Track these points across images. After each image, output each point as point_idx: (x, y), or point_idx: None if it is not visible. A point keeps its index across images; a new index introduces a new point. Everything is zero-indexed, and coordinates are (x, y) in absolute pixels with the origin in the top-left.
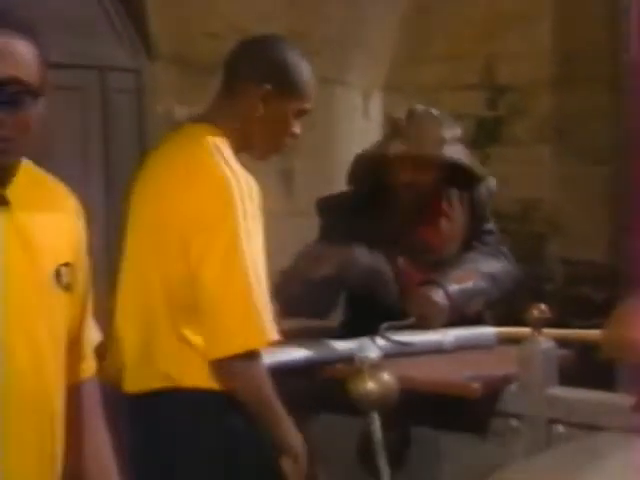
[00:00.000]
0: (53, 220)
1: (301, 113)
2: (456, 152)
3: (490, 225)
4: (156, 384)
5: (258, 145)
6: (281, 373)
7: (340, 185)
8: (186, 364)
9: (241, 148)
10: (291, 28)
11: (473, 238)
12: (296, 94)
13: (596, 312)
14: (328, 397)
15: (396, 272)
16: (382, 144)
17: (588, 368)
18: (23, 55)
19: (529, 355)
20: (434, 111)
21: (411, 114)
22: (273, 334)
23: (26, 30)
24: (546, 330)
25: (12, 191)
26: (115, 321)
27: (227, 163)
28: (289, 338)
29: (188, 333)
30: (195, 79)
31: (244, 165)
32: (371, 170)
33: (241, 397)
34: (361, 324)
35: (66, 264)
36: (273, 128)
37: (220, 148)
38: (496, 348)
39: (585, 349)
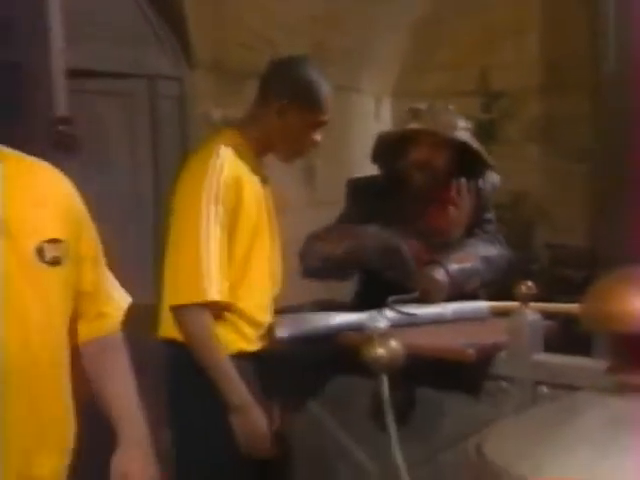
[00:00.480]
0: (35, 200)
1: (320, 124)
2: (467, 138)
3: (490, 215)
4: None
5: (280, 150)
6: (305, 340)
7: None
8: (164, 317)
9: (264, 151)
10: (313, 41)
11: (475, 225)
12: (314, 108)
13: (576, 289)
14: (344, 361)
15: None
16: (401, 125)
17: (569, 337)
18: None
19: (517, 326)
20: (450, 106)
21: (430, 105)
22: (214, 295)
23: None
24: (532, 304)
25: None
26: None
27: (222, 165)
28: (312, 310)
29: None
30: (229, 85)
31: (272, 164)
32: (391, 148)
33: (189, 346)
34: (371, 298)
35: (51, 240)
36: (293, 137)
37: (226, 152)
38: (489, 320)
39: (566, 321)
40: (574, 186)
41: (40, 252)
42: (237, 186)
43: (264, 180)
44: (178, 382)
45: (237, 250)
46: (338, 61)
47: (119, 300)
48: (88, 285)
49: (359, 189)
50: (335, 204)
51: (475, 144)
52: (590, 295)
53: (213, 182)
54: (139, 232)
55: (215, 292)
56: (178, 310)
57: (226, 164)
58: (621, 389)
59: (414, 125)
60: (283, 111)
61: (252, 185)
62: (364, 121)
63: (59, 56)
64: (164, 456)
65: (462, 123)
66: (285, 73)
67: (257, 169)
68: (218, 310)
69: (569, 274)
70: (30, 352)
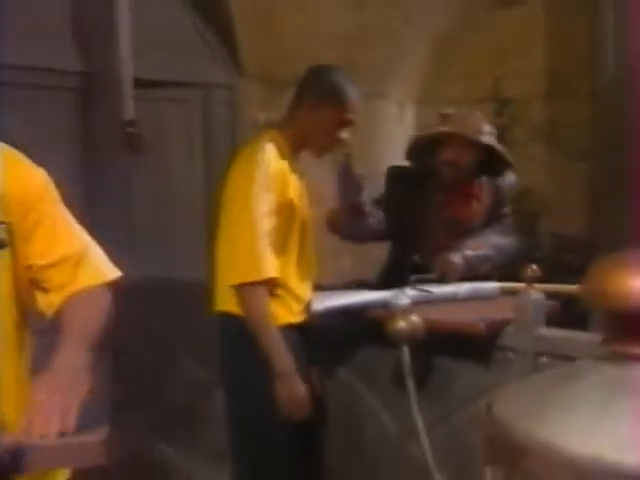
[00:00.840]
0: None
1: (346, 122)
2: (491, 141)
3: (506, 209)
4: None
5: (312, 146)
6: (338, 315)
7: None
8: (224, 296)
9: (299, 148)
10: (345, 54)
11: (493, 218)
12: (342, 108)
13: (575, 273)
14: (371, 334)
15: (430, 237)
16: (432, 128)
17: (568, 314)
18: None
19: (523, 304)
20: (477, 112)
21: (459, 111)
22: (269, 273)
23: None
24: (537, 285)
25: None
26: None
27: (269, 159)
28: (345, 289)
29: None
30: (273, 92)
31: (311, 163)
32: (423, 148)
33: (244, 319)
34: (395, 278)
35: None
36: (323, 133)
37: (271, 148)
38: (498, 298)
39: (566, 300)
40: (575, 182)
41: None
42: (282, 178)
43: (300, 175)
44: (231, 350)
45: (283, 233)
46: (367, 71)
47: (96, 270)
48: (40, 258)
49: (396, 175)
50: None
51: (499, 146)
52: (589, 276)
53: (262, 174)
54: (193, 221)
55: (270, 270)
56: (239, 288)
57: (272, 159)
58: (615, 358)
59: (445, 128)
60: (315, 110)
61: (293, 178)
62: (389, 125)
63: (127, 67)
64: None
65: (487, 127)
66: (318, 78)
67: (294, 165)
68: (271, 287)
69: (569, 259)
70: None
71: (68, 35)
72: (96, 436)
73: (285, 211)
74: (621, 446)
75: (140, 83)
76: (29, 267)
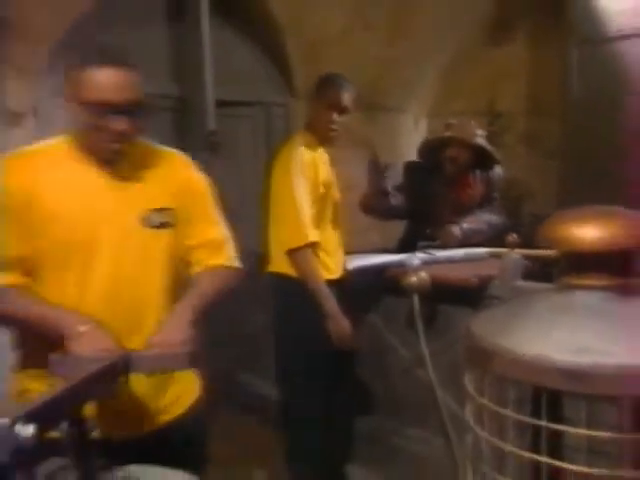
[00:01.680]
0: (147, 178)
1: (333, 108)
2: (483, 142)
3: (496, 195)
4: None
5: (318, 134)
6: (364, 272)
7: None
8: (281, 259)
9: (322, 141)
10: (376, 80)
11: (485, 201)
12: (332, 105)
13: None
14: (391, 287)
15: (437, 215)
16: (439, 134)
17: (539, 272)
18: (135, 83)
19: (506, 264)
20: (472, 122)
21: (459, 121)
22: (313, 238)
23: (134, 67)
24: (516, 250)
25: (124, 162)
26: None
27: (295, 151)
28: (370, 253)
29: (279, 240)
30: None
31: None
32: (431, 149)
33: (297, 277)
34: (409, 245)
35: (158, 209)
36: (320, 122)
37: (300, 143)
38: (487, 260)
39: (539, 262)
40: (549, 174)
41: (146, 219)
42: (312, 166)
43: (330, 162)
44: (282, 300)
45: (318, 209)
46: (391, 92)
47: (228, 256)
48: (191, 239)
49: (412, 167)
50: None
51: (488, 147)
52: (548, 225)
53: (297, 165)
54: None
55: (313, 236)
56: (291, 252)
57: (302, 152)
58: (563, 288)
59: (448, 133)
60: (315, 105)
61: (321, 165)
62: (407, 133)
63: (210, 91)
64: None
65: (480, 132)
66: (323, 82)
67: (322, 154)
68: (314, 249)
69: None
70: (135, 285)
71: (167, 68)
72: (184, 349)
73: (317, 191)
74: (563, 349)
75: (219, 103)
76: (182, 245)
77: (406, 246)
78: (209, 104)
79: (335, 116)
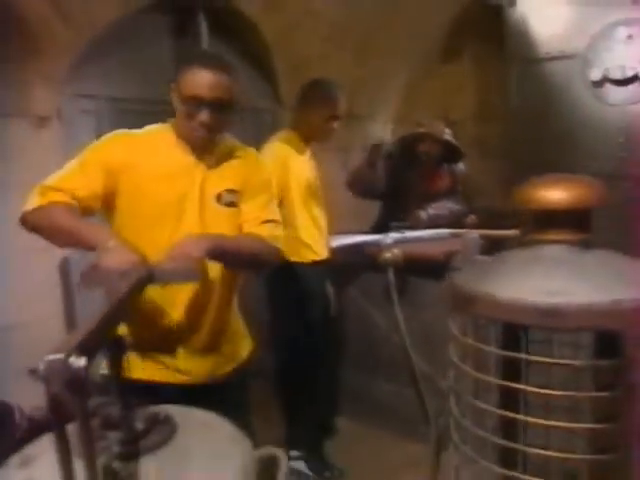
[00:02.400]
0: (225, 165)
1: (335, 118)
2: (450, 138)
3: (459, 187)
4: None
5: (315, 134)
6: (345, 250)
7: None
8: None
9: (308, 139)
10: (347, 89)
11: (449, 191)
12: (328, 106)
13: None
14: (368, 263)
15: (408, 201)
16: (414, 130)
17: (492, 248)
18: (227, 86)
19: (466, 242)
20: (440, 122)
21: (430, 121)
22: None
23: (232, 73)
24: (474, 230)
25: (208, 150)
26: None
27: (272, 148)
28: (349, 234)
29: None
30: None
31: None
32: (406, 143)
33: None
34: (383, 227)
35: (228, 190)
36: (320, 126)
37: (279, 141)
38: (449, 239)
39: (491, 240)
40: (494, 173)
41: (219, 198)
42: (284, 161)
43: (310, 157)
44: (273, 277)
45: (300, 200)
46: (362, 102)
47: (274, 235)
48: (248, 217)
49: (391, 155)
50: None
51: (455, 142)
52: (519, 188)
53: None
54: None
55: None
56: None
57: (277, 148)
58: (529, 243)
59: (422, 130)
60: (314, 111)
61: (302, 162)
62: (375, 137)
63: None
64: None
65: (447, 130)
66: (311, 87)
67: (304, 150)
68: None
69: (494, 221)
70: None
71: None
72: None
73: (294, 185)
74: (537, 292)
75: None
76: (239, 221)
77: (380, 228)
78: None
79: (334, 124)
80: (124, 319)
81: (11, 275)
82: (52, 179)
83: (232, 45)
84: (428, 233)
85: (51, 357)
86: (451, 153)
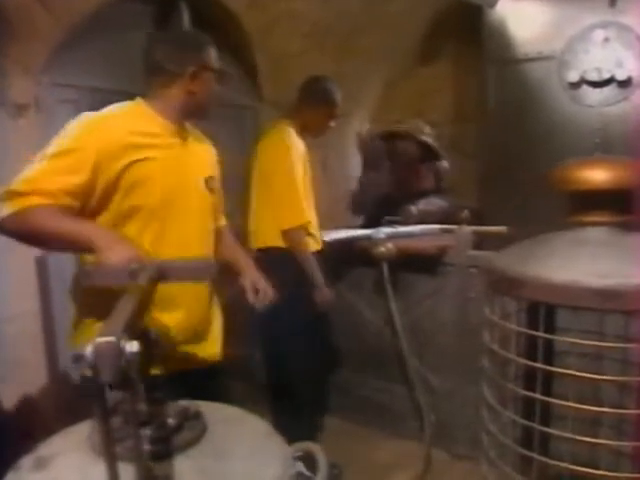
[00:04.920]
0: (202, 151)
1: (334, 115)
2: (428, 139)
3: (443, 184)
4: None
5: (312, 132)
6: (337, 244)
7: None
8: (273, 234)
9: (302, 132)
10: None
11: (435, 189)
12: (330, 106)
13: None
14: (360, 257)
15: (399, 198)
16: (394, 126)
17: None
18: None
19: (459, 236)
20: (420, 122)
21: (410, 120)
22: (306, 218)
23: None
24: (465, 226)
25: (186, 136)
26: (250, 214)
27: (290, 137)
28: (342, 228)
29: (274, 217)
30: (283, 112)
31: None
32: (383, 141)
33: (294, 251)
34: (375, 221)
35: (210, 177)
36: (320, 123)
37: (292, 132)
38: (440, 234)
39: (482, 236)
40: (470, 172)
41: (207, 182)
42: (301, 152)
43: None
44: (275, 271)
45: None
46: (343, 101)
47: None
48: (217, 207)
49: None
50: (337, 182)
51: (433, 143)
52: (560, 170)
53: (292, 150)
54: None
55: (307, 217)
56: (288, 231)
57: (295, 139)
58: (574, 225)
59: (402, 127)
60: (315, 109)
61: (304, 153)
62: (352, 136)
63: None
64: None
65: (427, 130)
66: (317, 85)
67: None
68: (306, 227)
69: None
70: (206, 229)
71: None
72: (208, 262)
73: (307, 176)
74: (589, 275)
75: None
76: None
77: (370, 225)
78: None
79: (332, 122)
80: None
81: None
82: (23, 181)
83: (214, 38)
84: (420, 228)
85: (102, 340)
86: (430, 153)
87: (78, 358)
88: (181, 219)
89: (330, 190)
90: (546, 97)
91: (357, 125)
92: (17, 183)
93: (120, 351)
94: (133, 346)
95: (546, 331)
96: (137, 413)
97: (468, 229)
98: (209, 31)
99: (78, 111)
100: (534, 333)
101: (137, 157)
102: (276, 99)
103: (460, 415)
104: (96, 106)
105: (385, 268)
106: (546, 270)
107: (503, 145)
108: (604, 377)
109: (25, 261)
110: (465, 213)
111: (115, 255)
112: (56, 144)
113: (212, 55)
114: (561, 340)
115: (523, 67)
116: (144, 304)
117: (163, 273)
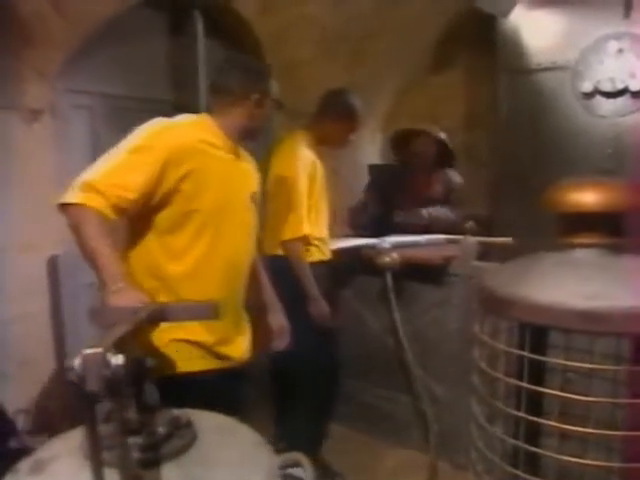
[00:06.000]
0: (249, 168)
1: (355, 130)
2: (446, 139)
3: (454, 196)
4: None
5: (332, 144)
6: (343, 252)
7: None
8: (275, 243)
9: (320, 144)
10: None
11: (444, 199)
12: (352, 120)
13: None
14: (365, 266)
15: (408, 205)
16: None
17: (488, 254)
18: None
19: (464, 247)
20: (435, 126)
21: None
22: (305, 232)
23: None
24: (470, 237)
25: (239, 153)
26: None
27: (299, 149)
28: (348, 237)
29: (276, 227)
30: (292, 117)
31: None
32: (401, 141)
33: (290, 261)
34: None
35: (255, 193)
36: (340, 135)
37: (304, 144)
38: (445, 244)
39: (487, 247)
40: (481, 181)
41: (252, 198)
42: (311, 164)
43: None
44: (277, 277)
45: (314, 202)
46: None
47: None
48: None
49: (376, 170)
50: (348, 189)
51: (449, 143)
52: (551, 191)
53: (301, 162)
54: None
55: (305, 229)
56: (286, 242)
57: (305, 151)
58: (564, 247)
59: (419, 126)
60: (336, 122)
61: (318, 164)
62: (364, 145)
63: (203, 97)
64: None
65: (442, 132)
66: (337, 99)
67: (316, 152)
68: (306, 239)
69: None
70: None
71: (166, 77)
72: (209, 302)
73: (313, 187)
74: (576, 296)
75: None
76: None
77: (376, 229)
78: (202, 108)
79: (352, 136)
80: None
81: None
82: (97, 174)
83: (226, 45)
84: (425, 238)
85: (89, 351)
86: (444, 157)
87: (69, 368)
88: (231, 229)
89: (341, 199)
90: (559, 107)
91: (369, 134)
92: (94, 174)
93: (106, 362)
94: (119, 359)
95: (537, 349)
96: (124, 422)
97: (473, 240)
98: (222, 38)
99: (92, 117)
100: (520, 353)
101: (200, 164)
102: (287, 105)
103: (463, 425)
104: (110, 112)
105: (389, 278)
106: (534, 291)
107: (515, 154)
108: (590, 398)
109: (36, 261)
110: (470, 224)
111: (119, 298)
112: (130, 142)
113: (274, 85)
114: (547, 360)
115: (536, 77)
116: (140, 338)
117: (164, 314)
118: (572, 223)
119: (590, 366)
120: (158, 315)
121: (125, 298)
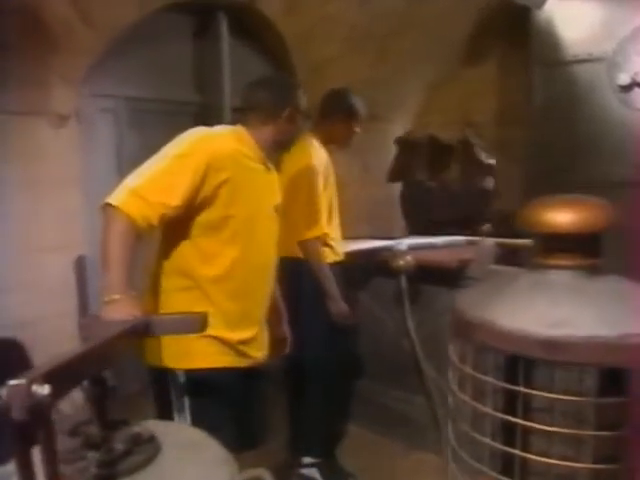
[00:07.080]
0: (274, 180)
1: (357, 125)
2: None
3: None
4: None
5: (337, 143)
6: (360, 254)
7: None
8: (291, 244)
9: (327, 144)
10: (365, 91)
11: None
12: (352, 118)
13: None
14: (380, 268)
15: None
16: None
17: (508, 257)
18: None
19: (480, 249)
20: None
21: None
22: (323, 230)
23: None
24: (489, 238)
25: (268, 165)
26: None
27: (312, 150)
28: (363, 239)
29: (292, 228)
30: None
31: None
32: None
33: (309, 261)
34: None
35: (278, 204)
36: (344, 136)
37: (316, 144)
38: (463, 246)
39: (507, 249)
40: (514, 176)
41: (276, 209)
42: (326, 165)
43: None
44: (293, 280)
45: (328, 202)
46: (382, 105)
47: None
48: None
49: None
50: (378, 185)
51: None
52: (525, 210)
53: (316, 162)
54: None
55: (323, 228)
56: (304, 242)
57: (319, 151)
58: (538, 267)
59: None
60: (339, 122)
61: (330, 164)
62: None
63: (228, 99)
64: None
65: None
66: (339, 99)
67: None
68: (323, 238)
69: (510, 226)
70: (273, 258)
71: (191, 79)
72: (196, 315)
73: (329, 187)
74: (541, 322)
75: (235, 109)
76: None
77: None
78: (226, 110)
79: (355, 132)
80: (108, 365)
81: (27, 272)
82: (142, 179)
83: (252, 46)
84: (442, 240)
85: (13, 382)
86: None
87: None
88: (261, 236)
89: (371, 193)
90: (595, 100)
91: (399, 128)
92: (140, 180)
93: (30, 393)
94: (44, 389)
95: (505, 373)
96: (50, 449)
97: (490, 241)
98: (246, 38)
99: (117, 120)
100: (482, 378)
101: (236, 172)
102: (312, 106)
103: None
104: (134, 115)
105: (403, 281)
106: (501, 315)
107: (549, 149)
108: (553, 428)
109: (63, 261)
110: (487, 226)
111: (112, 311)
112: (172, 149)
113: (302, 98)
114: (511, 388)
115: (571, 69)
116: (111, 353)
117: (149, 326)
118: (547, 243)
119: (552, 396)
120: (143, 328)
121: (116, 310)
